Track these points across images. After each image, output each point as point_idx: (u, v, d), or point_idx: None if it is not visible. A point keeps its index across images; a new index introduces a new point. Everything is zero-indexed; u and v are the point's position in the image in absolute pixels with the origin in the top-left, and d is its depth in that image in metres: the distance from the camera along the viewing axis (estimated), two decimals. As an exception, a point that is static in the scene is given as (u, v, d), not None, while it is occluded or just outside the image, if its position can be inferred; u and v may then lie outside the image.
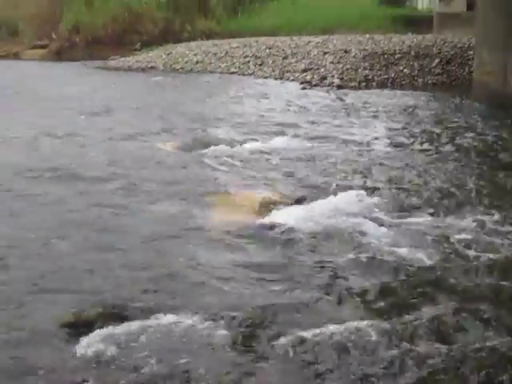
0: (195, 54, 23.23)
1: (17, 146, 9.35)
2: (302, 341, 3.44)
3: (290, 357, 3.32)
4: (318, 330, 3.53)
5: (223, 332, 3.58)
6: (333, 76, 16.62)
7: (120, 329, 3.64)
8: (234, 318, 3.74)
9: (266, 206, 5.81)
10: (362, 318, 3.72)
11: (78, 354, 3.40)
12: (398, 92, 14.47)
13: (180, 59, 23.15)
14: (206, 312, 3.81)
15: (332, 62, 17.96)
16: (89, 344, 3.48)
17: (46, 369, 3.27)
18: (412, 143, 8.85)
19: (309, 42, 21.36)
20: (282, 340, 3.46)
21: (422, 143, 8.87)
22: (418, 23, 24.75)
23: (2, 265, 4.73)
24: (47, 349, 3.52)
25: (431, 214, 5.70)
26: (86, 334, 3.60)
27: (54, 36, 30.96)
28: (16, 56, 32.05)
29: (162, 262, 4.76)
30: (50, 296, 4.20)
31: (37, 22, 33.07)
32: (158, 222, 5.67)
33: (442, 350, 3.30)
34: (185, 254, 4.85)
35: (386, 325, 3.63)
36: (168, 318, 3.72)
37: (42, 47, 31.29)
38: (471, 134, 9.26)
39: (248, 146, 8.61)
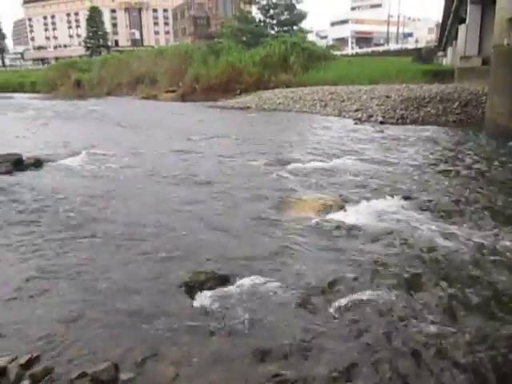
0: (278, 98, 23.47)
1: (152, 158, 9.63)
2: (358, 308, 3.40)
3: (347, 319, 3.29)
4: (371, 301, 3.49)
5: (295, 295, 3.60)
6: (377, 115, 16.38)
7: (222, 289, 3.71)
8: (305, 286, 3.76)
9: (328, 208, 5.76)
10: (409, 292, 3.65)
11: (191, 306, 3.51)
12: (426, 127, 14.08)
13: (267, 101, 23.46)
14: (284, 281, 3.83)
15: (377, 104, 17.70)
16: (199, 299, 3.58)
17: (167, 315, 3.37)
18: (434, 164, 8.65)
19: (360, 89, 21.12)
20: (342, 305, 3.44)
21: (443, 165, 8.65)
22: (443, 75, 23.86)
23: (146, 239, 4.91)
24: (169, 300, 3.61)
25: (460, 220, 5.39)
26: (197, 291, 3.68)
27: (180, 84, 32.21)
28: (154, 97, 33.54)
29: (251, 243, 4.80)
30: (176, 262, 4.30)
31: (169, 74, 34.56)
32: (248, 215, 5.67)
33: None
34: (267, 239, 4.87)
35: (426, 298, 3.54)
36: (256, 283, 3.77)
37: (173, 92, 32.55)
38: (482, 160, 8.93)
39: (314, 164, 8.62)
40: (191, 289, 3.74)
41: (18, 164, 8.64)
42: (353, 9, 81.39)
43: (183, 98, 30.38)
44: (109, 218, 5.70)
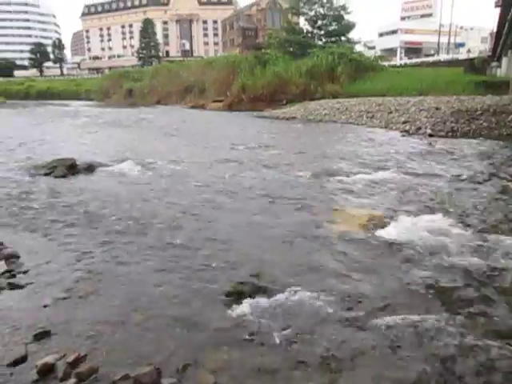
0: (324, 109, 23.35)
1: (197, 167, 9.80)
2: (401, 328, 3.29)
3: (388, 337, 3.20)
4: (412, 318, 3.38)
5: (337, 310, 3.54)
6: (426, 127, 15.94)
7: (263, 300, 3.68)
8: (346, 301, 3.69)
9: (373, 222, 5.65)
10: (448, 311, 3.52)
11: (232, 315, 3.50)
12: (478, 140, 13.53)
13: (313, 112, 23.40)
14: (326, 295, 3.76)
15: (426, 117, 17.21)
16: (240, 309, 3.57)
17: (209, 323, 3.40)
18: (486, 180, 8.28)
19: (408, 101, 20.61)
20: (384, 323, 3.35)
21: (495, 180, 8.27)
22: (497, 87, 22.82)
23: (190, 247, 4.97)
24: (211, 308, 3.63)
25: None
26: (239, 301, 3.68)
27: (228, 94, 32.65)
28: (202, 106, 34.27)
29: (294, 255, 4.75)
30: (219, 271, 4.33)
31: (217, 84, 35.17)
32: (291, 227, 5.63)
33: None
34: (310, 252, 4.81)
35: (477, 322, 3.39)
36: (298, 295, 3.71)
37: (220, 101, 33.11)
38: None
39: (360, 176, 8.46)
40: (233, 298, 3.77)
41: (72, 168, 9.06)
42: (402, 19, 79.83)
43: (230, 108, 30.82)
44: (155, 224, 5.84)
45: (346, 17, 39.33)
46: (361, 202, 6.82)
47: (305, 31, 40.29)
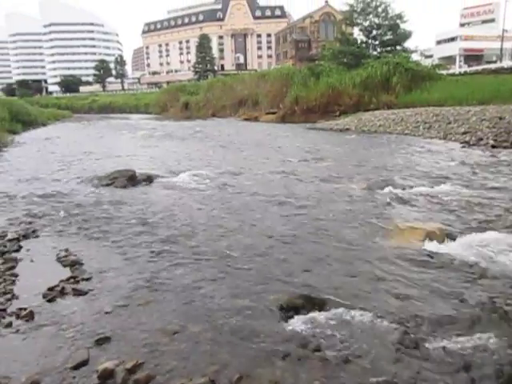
0: (378, 120, 22.87)
1: (251, 179, 9.85)
2: (462, 351, 3.12)
3: (447, 361, 3.03)
4: (472, 341, 3.23)
5: (393, 328, 3.43)
6: (488, 138, 15.15)
7: (317, 314, 3.63)
8: (404, 319, 3.56)
9: (432, 237, 5.36)
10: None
11: (286, 329, 3.47)
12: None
13: (367, 123, 22.98)
14: (382, 312, 3.67)
15: (488, 127, 16.38)
16: (294, 322, 3.53)
17: (262, 336, 3.39)
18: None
19: (468, 111, 19.72)
20: (444, 346, 3.19)
21: None
22: None
23: (245, 258, 5.02)
24: (265, 321, 3.61)
25: None
26: (293, 314, 3.64)
27: (281, 106, 32.80)
28: (255, 119, 34.63)
29: (348, 270, 4.65)
30: (273, 284, 4.31)
31: (270, 96, 35.44)
32: (345, 240, 5.53)
33: None
34: (365, 267, 4.69)
35: None
36: (353, 311, 3.63)
37: (273, 113, 33.32)
38: None
39: (417, 189, 8.14)
40: (287, 312, 3.73)
41: (132, 179, 9.42)
42: (462, 25, 77.00)
43: (283, 120, 30.93)
44: (211, 234, 5.94)
45: (402, 26, 38.46)
46: (419, 216, 6.57)
47: (359, 42, 39.82)
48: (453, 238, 5.38)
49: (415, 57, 38.66)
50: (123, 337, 3.47)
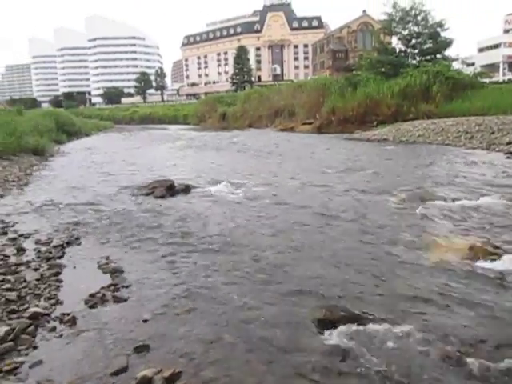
0: (417, 130, 22.35)
1: (287, 190, 9.83)
2: (501, 369, 3.00)
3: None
4: None
5: (435, 347, 3.30)
6: (535, 148, 14.56)
7: (355, 328, 3.55)
8: (445, 338, 3.42)
9: (477, 253, 5.16)
10: None
11: (323, 343, 3.42)
12: None
13: (406, 133, 22.51)
14: (422, 329, 3.55)
15: (535, 137, 15.74)
16: (331, 336, 3.48)
17: (299, 349, 3.34)
18: None
19: (513, 120, 19.02)
20: (489, 368, 3.04)
21: None
22: None
23: (281, 269, 5.02)
24: (301, 334, 3.56)
25: None
26: (330, 328, 3.58)
27: (317, 116, 32.64)
28: (291, 129, 34.66)
29: (387, 285, 4.52)
30: (308, 296, 4.26)
31: (307, 106, 35.39)
32: (384, 255, 5.42)
33: None
34: (405, 283, 4.56)
35: None
36: (392, 327, 3.53)
37: (309, 124, 33.18)
38: None
39: (460, 202, 7.85)
40: (324, 325, 3.69)
41: (170, 189, 9.61)
42: (506, 31, 74.50)
43: (319, 130, 30.74)
44: (247, 245, 5.95)
45: (443, 34, 37.57)
46: (461, 230, 6.34)
47: (397, 51, 39.20)
48: (497, 254, 5.15)
49: (456, 65, 37.58)
50: (161, 345, 3.51)
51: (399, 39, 39.44)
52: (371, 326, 3.63)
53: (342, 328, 3.60)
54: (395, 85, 30.10)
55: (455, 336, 3.49)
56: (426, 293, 4.31)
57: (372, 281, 4.67)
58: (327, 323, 3.69)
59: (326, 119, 31.19)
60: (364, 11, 71.58)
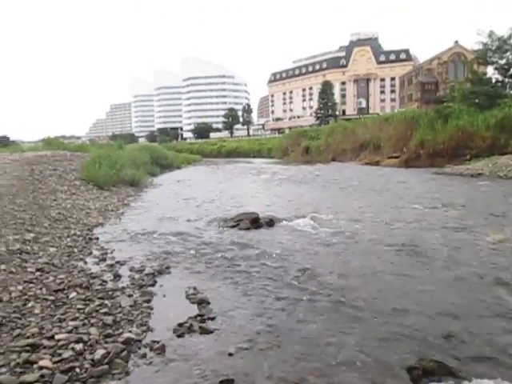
0: (519, 163, 20.72)
1: (374, 226, 9.58)
2: None
3: None
4: None
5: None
6: None
7: (452, 382, 3.33)
8: None
9: None
10: None
11: None
12: None
13: (504, 168, 20.91)
14: None
15: None
16: None
17: None
18: None
19: None
20: None
21: None
22: None
23: (368, 311, 4.87)
24: (390, 382, 3.38)
25: None
26: (423, 379, 3.38)
27: (404, 150, 31.56)
28: (377, 163, 33.79)
29: (488, 335, 4.17)
30: (401, 342, 4.05)
31: (393, 140, 34.44)
32: (482, 300, 5.07)
33: None
34: (506, 333, 4.21)
35: None
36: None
37: (395, 158, 32.15)
38: None
39: None
40: (416, 375, 3.48)
41: (255, 222, 9.77)
42: None
43: (406, 164, 29.63)
44: (331, 282, 5.84)
45: (547, 61, 35.00)
46: None
47: (493, 81, 37.06)
48: None
49: None
50: (245, 381, 3.51)
51: (496, 69, 37.37)
52: (467, 382, 3.37)
53: (435, 380, 3.42)
54: (491, 116, 28.32)
55: None
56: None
57: (471, 329, 4.32)
58: (420, 373, 3.50)
59: (414, 152, 30.02)
60: (456, 41, 69.09)
